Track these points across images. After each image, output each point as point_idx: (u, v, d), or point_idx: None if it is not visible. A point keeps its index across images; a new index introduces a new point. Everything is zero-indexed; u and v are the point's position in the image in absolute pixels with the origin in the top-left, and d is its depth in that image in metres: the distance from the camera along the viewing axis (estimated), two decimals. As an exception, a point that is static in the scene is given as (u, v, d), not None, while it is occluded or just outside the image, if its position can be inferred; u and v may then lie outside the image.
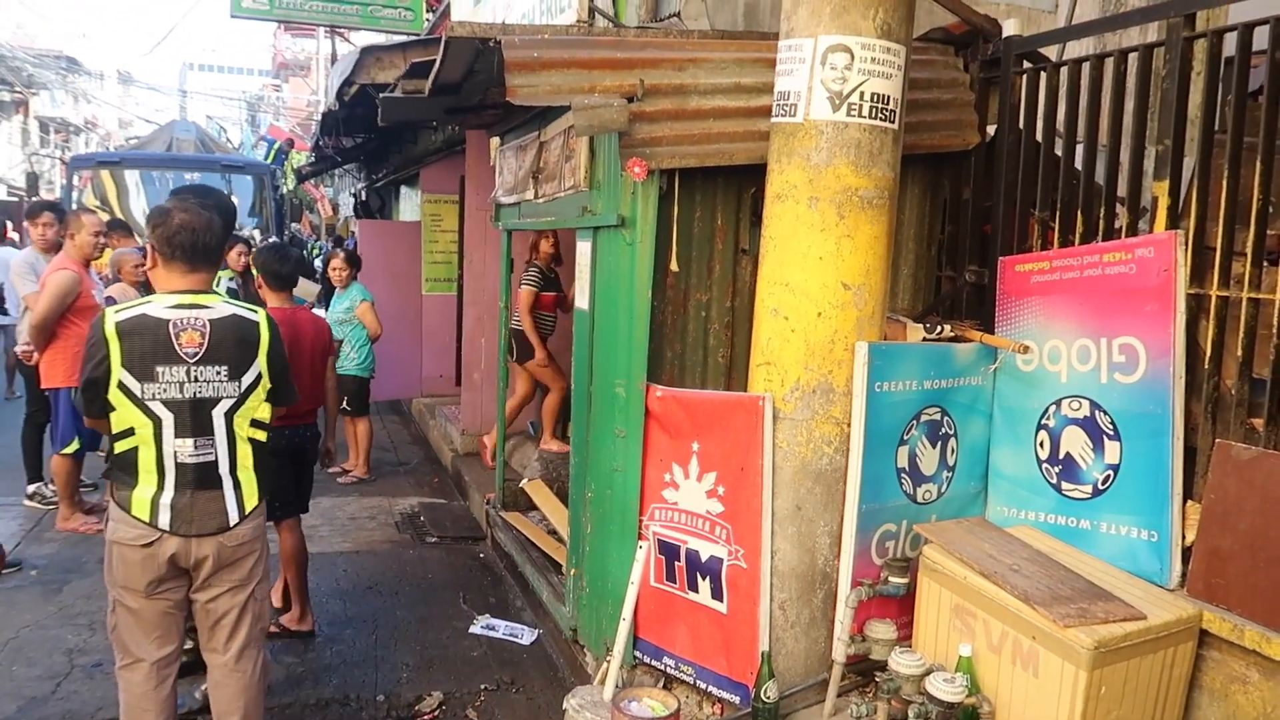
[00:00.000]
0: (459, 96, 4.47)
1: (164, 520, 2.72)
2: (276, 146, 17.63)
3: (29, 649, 4.11)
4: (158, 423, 2.71)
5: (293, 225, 18.29)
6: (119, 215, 11.03)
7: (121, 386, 2.67)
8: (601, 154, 3.69)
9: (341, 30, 15.68)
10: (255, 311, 2.91)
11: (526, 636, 4.54)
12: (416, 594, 5.04)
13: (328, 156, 12.03)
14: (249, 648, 2.96)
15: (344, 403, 7.21)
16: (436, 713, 3.79)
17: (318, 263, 15.87)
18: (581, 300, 3.95)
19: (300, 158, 17.53)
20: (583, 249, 3.93)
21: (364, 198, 14.78)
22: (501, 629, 4.61)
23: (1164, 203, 2.93)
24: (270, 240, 4.59)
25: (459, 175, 8.84)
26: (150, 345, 2.68)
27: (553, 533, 5.36)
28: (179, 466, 2.73)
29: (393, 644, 4.39)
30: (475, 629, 4.59)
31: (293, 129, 31.02)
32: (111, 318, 2.68)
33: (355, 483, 7.18)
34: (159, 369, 2.69)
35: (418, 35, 11.04)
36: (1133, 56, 3.08)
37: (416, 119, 6.76)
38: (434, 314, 9.27)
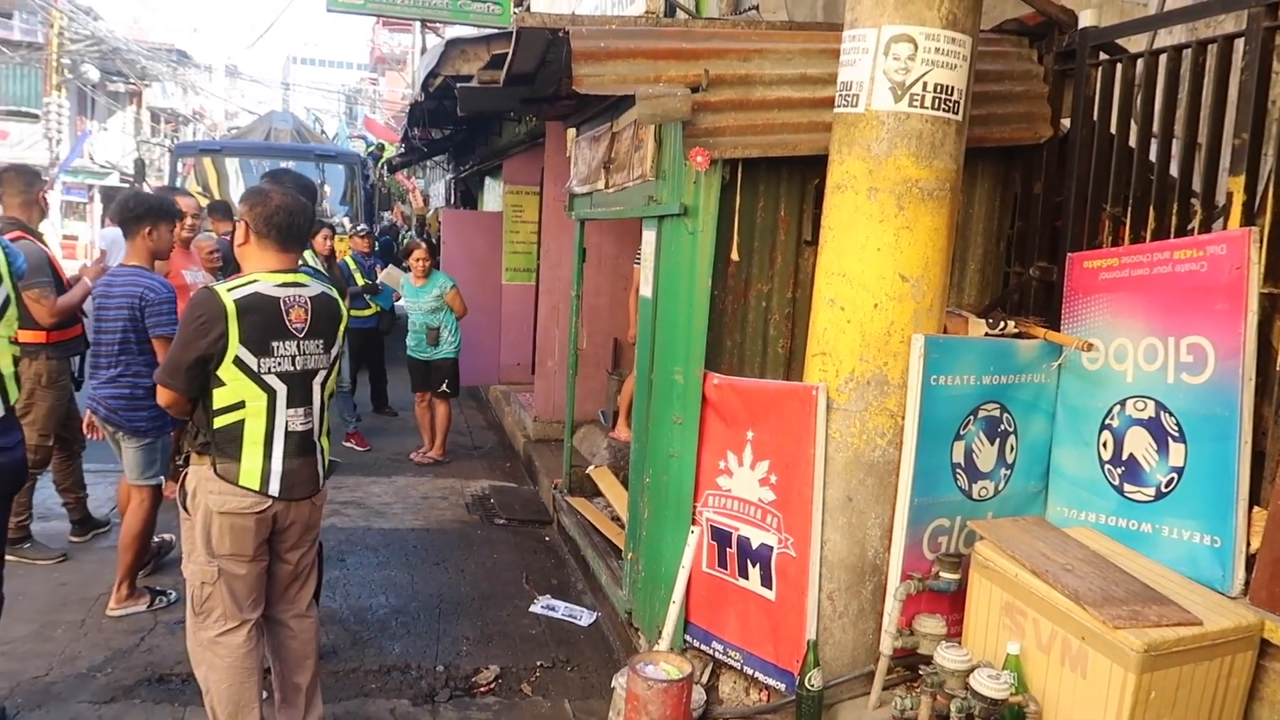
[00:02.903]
0: (534, 87, 4.57)
1: (274, 487, 2.86)
2: (378, 144, 18.14)
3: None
4: (272, 395, 2.84)
5: (384, 214, 18.79)
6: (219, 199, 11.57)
7: (238, 361, 2.77)
8: (667, 144, 3.74)
9: (433, 24, 16.03)
10: (333, 289, 3.06)
11: (585, 618, 4.63)
12: (481, 572, 5.17)
13: (416, 148, 12.35)
14: (312, 594, 3.19)
15: (444, 385, 7.46)
16: (493, 685, 3.90)
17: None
18: (645, 288, 4.01)
19: (392, 150, 18.00)
20: (648, 238, 3.99)
21: (454, 189, 15.12)
22: (561, 610, 4.71)
23: (1239, 199, 2.84)
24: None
25: (540, 167, 8.99)
26: (266, 321, 2.81)
27: (616, 519, 5.44)
28: (289, 435, 2.88)
29: (455, 618, 4.53)
30: (535, 608, 4.69)
31: (387, 122, 31.81)
32: (227, 295, 2.76)
33: (431, 464, 7.38)
34: (274, 343, 2.82)
35: (505, 28, 11.24)
36: (1211, 48, 2.99)
37: (494, 109, 6.91)
38: (513, 303, 9.46)
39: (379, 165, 16.26)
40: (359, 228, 9.44)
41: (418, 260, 7.38)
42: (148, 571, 4.67)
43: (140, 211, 4.18)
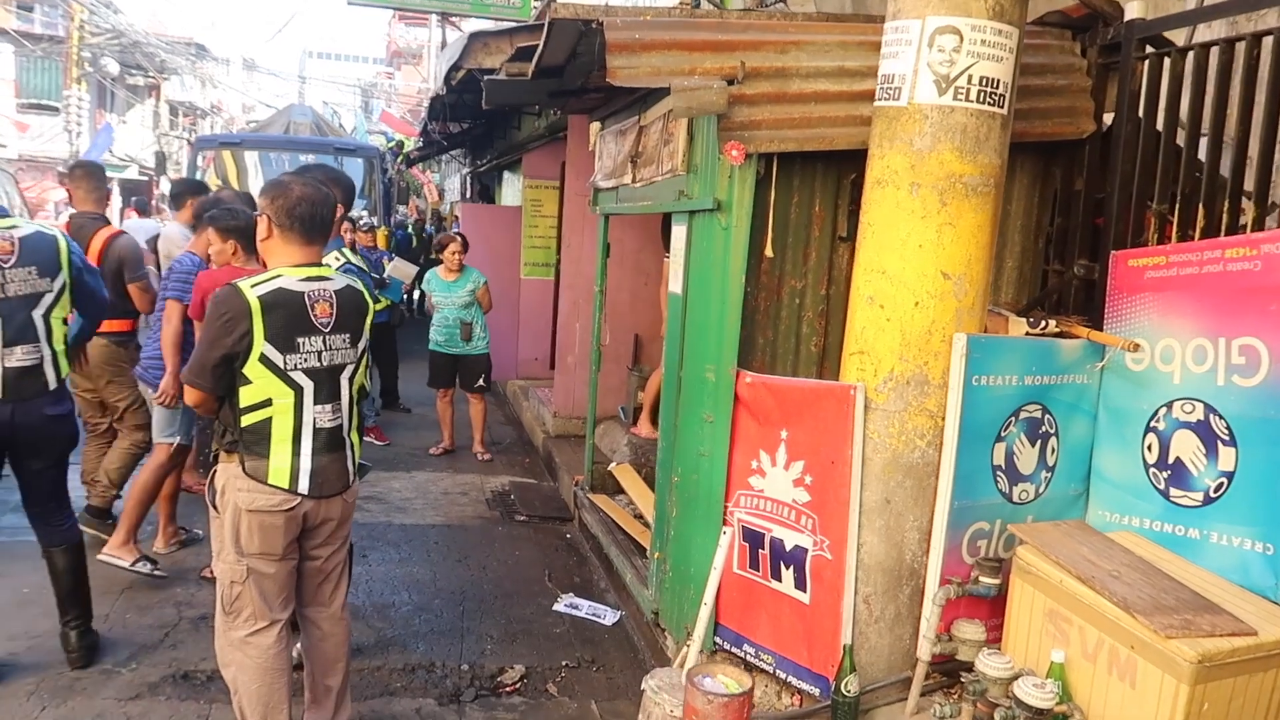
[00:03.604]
0: (561, 80, 4.52)
1: (304, 485, 2.81)
2: (397, 140, 18.14)
3: (141, 599, 4.34)
4: (299, 392, 2.79)
5: (400, 209, 18.80)
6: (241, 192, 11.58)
7: (264, 359, 2.72)
8: (700, 138, 3.67)
9: (452, 18, 16.00)
10: (358, 282, 3.01)
11: (609, 617, 4.58)
12: (503, 570, 5.13)
13: (435, 141, 12.32)
14: (345, 596, 3.13)
15: (480, 380, 7.43)
16: (519, 684, 3.85)
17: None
18: (675, 284, 3.95)
19: (411, 144, 17.99)
20: (678, 233, 3.93)
21: (471, 183, 15.09)
22: (585, 608, 4.66)
23: (1296, 196, 2.76)
24: (229, 205, 4.68)
25: (560, 161, 8.93)
26: (292, 317, 2.76)
27: (639, 517, 5.39)
28: (317, 432, 2.83)
29: (479, 616, 4.49)
30: (559, 607, 4.65)
31: (403, 115, 31.84)
32: (251, 292, 2.71)
33: (442, 454, 7.38)
34: (300, 340, 2.77)
35: (526, 21, 11.19)
36: (1267, 40, 2.90)
37: (520, 102, 6.85)
38: (531, 298, 9.41)
39: (398, 160, 16.25)
40: (361, 221, 9.38)
41: (453, 254, 7.27)
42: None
43: (228, 226, 4.21)
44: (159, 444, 4.64)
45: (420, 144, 14.60)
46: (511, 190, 12.06)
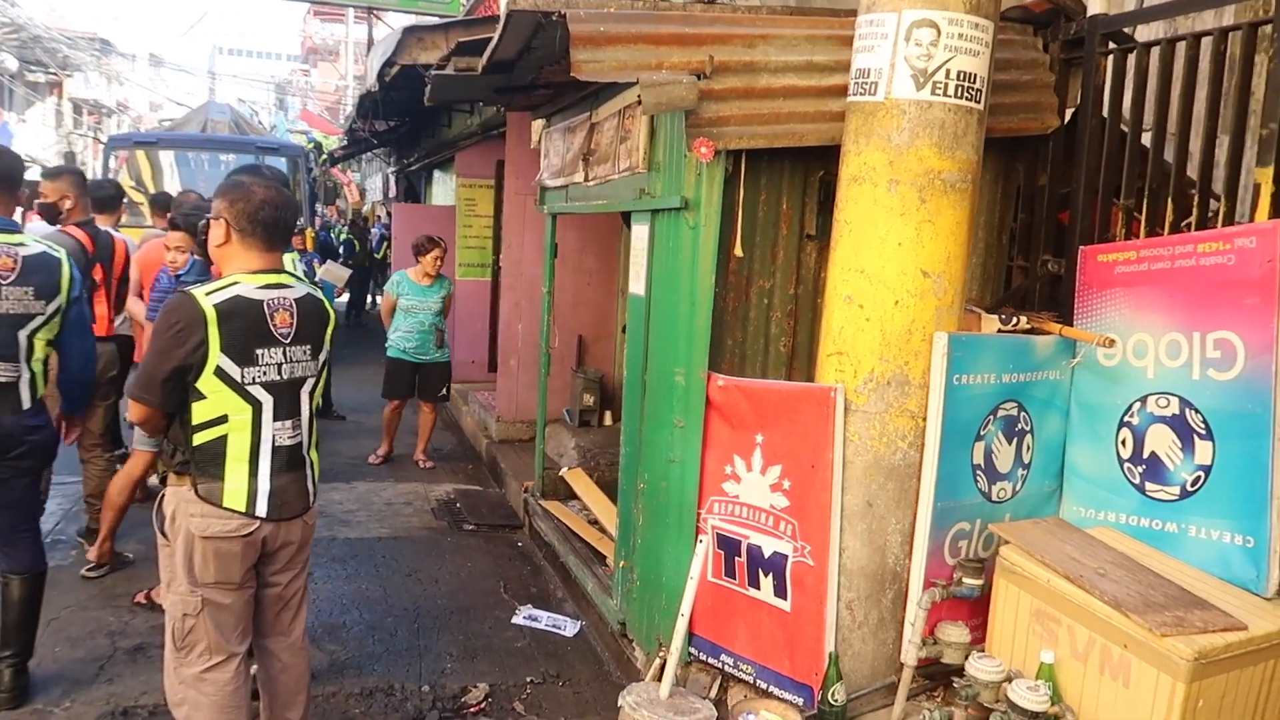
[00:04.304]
0: (511, 75, 4.36)
1: (262, 507, 2.61)
2: (315, 141, 17.63)
3: (71, 630, 4.05)
4: (257, 407, 2.60)
5: (323, 209, 18.26)
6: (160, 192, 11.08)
7: (219, 372, 2.52)
8: (662, 134, 3.57)
9: (377, 13, 15.60)
10: (318, 289, 2.83)
11: (570, 628, 4.45)
12: (456, 582, 4.96)
13: (362, 139, 11.98)
14: (304, 625, 2.94)
15: (444, 389, 7.17)
16: (483, 704, 3.70)
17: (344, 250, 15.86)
18: (637, 285, 3.84)
19: (332, 142, 17.51)
20: (639, 233, 3.82)
21: (396, 183, 14.74)
22: (544, 620, 4.52)
23: (1267, 189, 2.77)
24: (195, 208, 4.56)
25: (495, 159, 8.75)
26: (249, 327, 2.56)
27: (594, 523, 5.26)
28: (276, 450, 2.63)
29: (435, 633, 4.31)
30: (518, 619, 4.50)
31: (321, 113, 31.06)
32: (206, 300, 2.51)
33: (382, 463, 7.14)
34: (258, 351, 2.58)
35: (455, 17, 10.94)
36: (1234, 35, 2.92)
37: (465, 98, 6.68)
38: (467, 299, 9.19)
39: (320, 160, 15.78)
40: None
41: (435, 260, 6.96)
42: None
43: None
44: (138, 451, 4.50)
45: (344, 142, 14.20)
46: (443, 189, 11.80)
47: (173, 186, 11.38)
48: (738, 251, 3.32)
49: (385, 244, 15.13)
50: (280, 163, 11.35)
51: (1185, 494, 2.90)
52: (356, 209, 23.68)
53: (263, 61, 62.30)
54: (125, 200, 7.11)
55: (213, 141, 12.39)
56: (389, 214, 16.83)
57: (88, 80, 33.04)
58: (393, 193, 15.84)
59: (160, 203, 6.91)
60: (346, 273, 8.81)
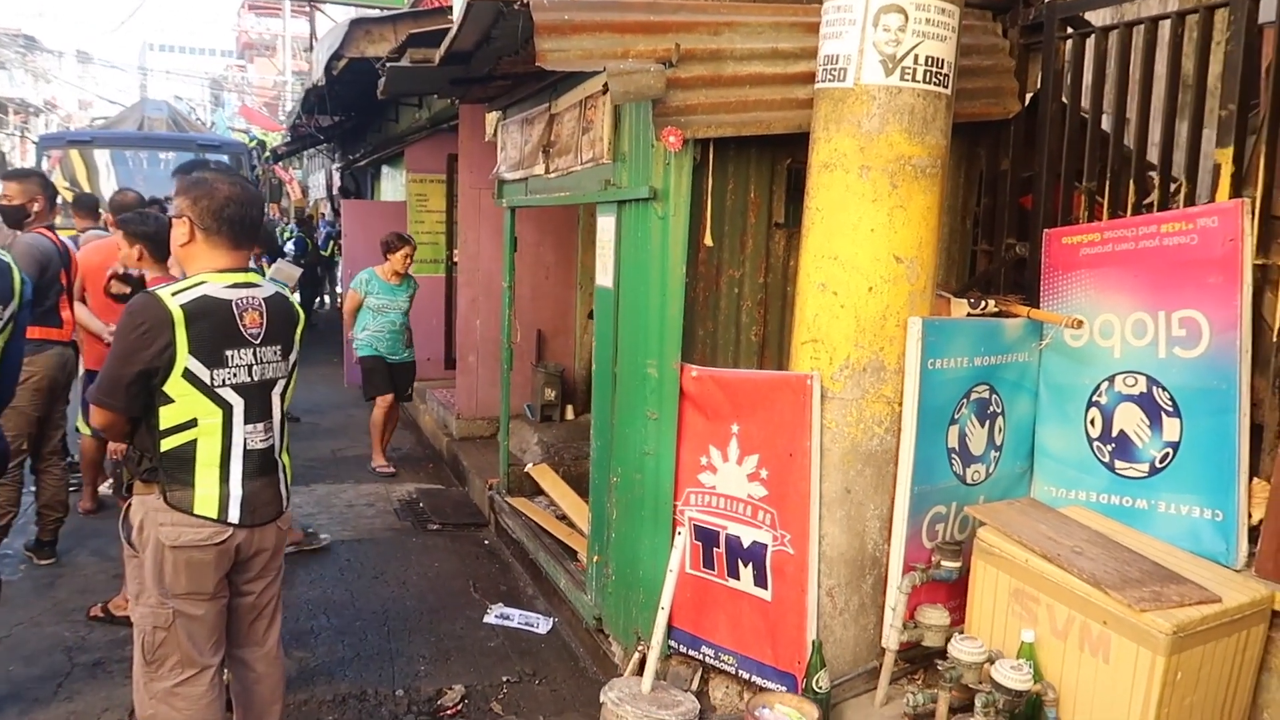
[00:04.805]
0: (469, 66, 4.29)
1: (234, 514, 2.52)
2: (258, 140, 17.23)
3: (25, 647, 3.91)
4: (228, 410, 2.51)
5: (267, 208, 17.88)
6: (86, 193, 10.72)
7: (188, 374, 2.43)
8: (627, 124, 3.53)
9: (318, 6, 15.29)
10: (285, 288, 2.75)
11: (542, 625, 4.41)
12: (424, 583, 4.88)
13: (306, 135, 11.73)
14: (279, 634, 2.86)
15: (410, 389, 7.02)
16: (459, 706, 3.64)
17: (289, 246, 15.53)
18: (604, 278, 3.80)
19: (274, 138, 17.12)
20: (605, 224, 3.78)
21: (341, 179, 14.46)
22: (516, 618, 4.47)
23: (1227, 170, 2.83)
24: (142, 209, 4.45)
25: (447, 153, 8.63)
26: (218, 327, 2.47)
27: (563, 518, 5.22)
28: (248, 454, 2.54)
29: (406, 635, 4.24)
30: (489, 618, 4.45)
31: (260, 109, 30.39)
32: (172, 300, 2.41)
33: (371, 472, 7.00)
34: (228, 352, 2.49)
35: (399, 9, 10.75)
36: (1191, 19, 2.97)
37: (420, 91, 6.56)
38: (421, 296, 8.94)
39: (263, 157, 15.44)
40: None
41: (407, 257, 6.81)
42: None
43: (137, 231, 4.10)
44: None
45: (287, 139, 13.89)
46: (392, 185, 11.61)
47: (109, 187, 11.03)
48: (708, 241, 3.31)
49: (332, 242, 14.87)
50: (222, 160, 11.08)
51: (1154, 471, 2.96)
52: (300, 207, 23.22)
53: (196, 58, 60.77)
54: (60, 202, 6.83)
55: (151, 140, 12.02)
56: (334, 211, 16.53)
57: (12, 78, 31.96)
58: (335, 189, 15.53)
59: (85, 204, 6.58)
60: (297, 271, 8.61)
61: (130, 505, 2.54)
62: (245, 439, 2.54)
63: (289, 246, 15.15)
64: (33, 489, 4.78)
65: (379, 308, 6.86)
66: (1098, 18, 3.54)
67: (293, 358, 2.70)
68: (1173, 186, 3.17)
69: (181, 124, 14.12)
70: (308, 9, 17.29)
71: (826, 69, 2.92)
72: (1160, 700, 2.44)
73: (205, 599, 2.53)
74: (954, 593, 3.09)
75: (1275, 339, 2.78)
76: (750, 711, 2.69)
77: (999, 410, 3.21)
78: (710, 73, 3.19)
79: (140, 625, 2.55)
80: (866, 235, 2.87)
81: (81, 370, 5.00)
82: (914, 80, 2.80)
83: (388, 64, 4.42)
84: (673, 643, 3.40)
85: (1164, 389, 2.92)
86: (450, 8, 7.55)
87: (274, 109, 31.18)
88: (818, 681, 2.88)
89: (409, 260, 6.87)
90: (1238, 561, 2.74)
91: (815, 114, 2.98)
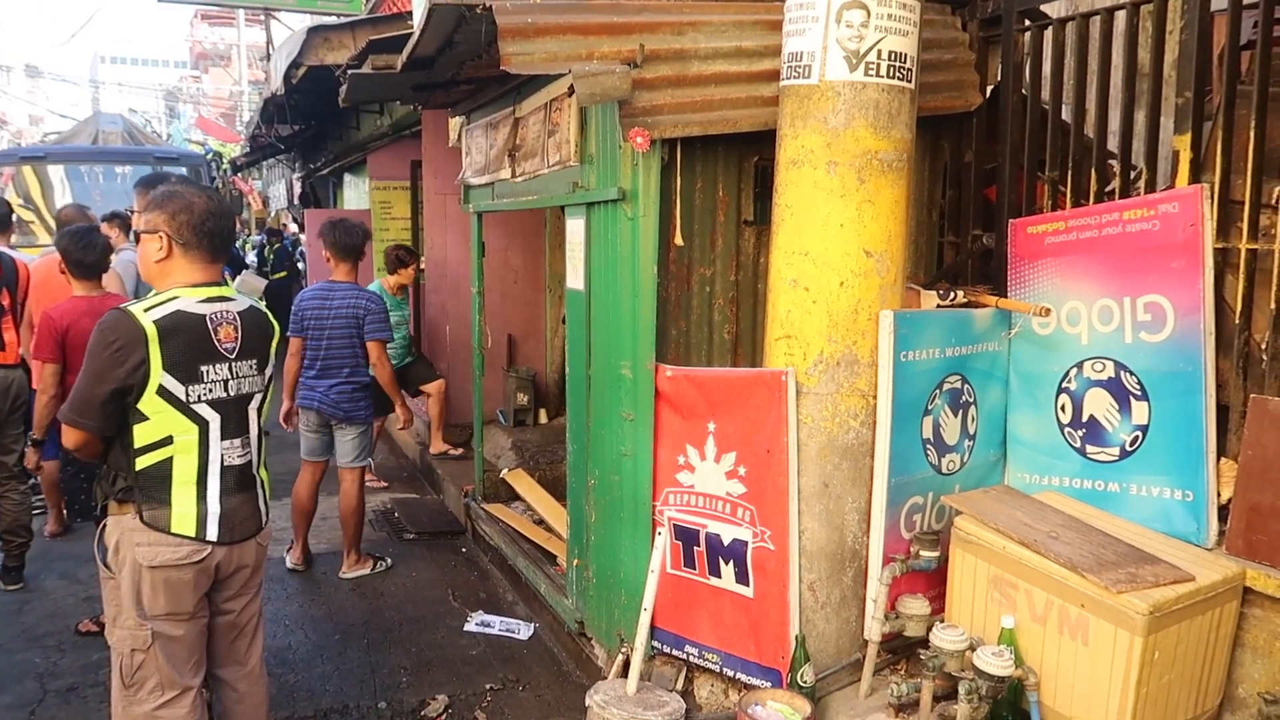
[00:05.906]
0: (431, 72, 4.26)
1: (212, 531, 2.48)
2: (215, 152, 17.01)
3: (-5, 676, 3.83)
4: (204, 426, 2.47)
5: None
6: (45, 214, 10.51)
7: (162, 391, 2.39)
8: (594, 126, 3.53)
9: (273, 13, 15.11)
10: (260, 302, 2.72)
11: (524, 631, 4.39)
12: (403, 593, 4.85)
13: (265, 145, 11.60)
14: (261, 652, 2.82)
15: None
16: (443, 716, 3.62)
17: (251, 257, 15.36)
18: (575, 280, 3.79)
19: (232, 149, 16.92)
20: (574, 227, 3.77)
21: (302, 188, 14.30)
22: (497, 625, 4.45)
23: (1186, 156, 2.88)
24: (75, 226, 4.33)
25: (410, 160, 8.56)
26: (193, 343, 2.44)
27: (540, 523, 5.21)
28: (225, 470, 2.50)
29: (386, 647, 4.21)
30: (470, 626, 4.42)
31: (216, 120, 30.02)
32: (144, 316, 2.37)
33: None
34: (203, 368, 2.46)
35: (357, 16, 10.67)
36: (1145, 9, 3.02)
37: (383, 98, 6.50)
38: (389, 304, 8.98)
39: (221, 169, 15.23)
40: None
41: (413, 273, 6.69)
42: None
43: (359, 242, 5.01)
44: (352, 469, 5.08)
45: (246, 149, 13.72)
46: (355, 193, 11.49)
47: (64, 202, 10.83)
48: (678, 240, 3.31)
49: (295, 252, 14.70)
50: (180, 173, 10.92)
51: (1125, 454, 3.00)
52: (261, 217, 22.97)
53: (149, 69, 59.87)
54: (15, 219, 6.63)
55: (107, 154, 11.80)
56: (296, 222, 16.34)
57: (-40, 95, 31.31)
58: (295, 199, 15.35)
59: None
60: (262, 283, 8.55)
61: (105, 526, 2.50)
62: (223, 455, 2.50)
63: (250, 258, 14.98)
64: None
65: (394, 324, 6.81)
66: (1054, 10, 3.60)
67: (268, 371, 2.67)
68: (1133, 174, 3.22)
69: (137, 137, 13.90)
70: (262, 17, 17.12)
71: (791, 66, 2.93)
72: (1139, 680, 2.47)
73: (184, 619, 2.49)
74: (933, 582, 3.12)
75: (1238, 321, 2.83)
76: (743, 709, 2.69)
77: (971, 400, 3.24)
78: (675, 72, 3.19)
79: (118, 648, 2.51)
80: (836, 230, 2.89)
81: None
82: (878, 75, 2.82)
83: (349, 71, 4.37)
84: (656, 643, 3.40)
85: (1131, 373, 2.97)
86: (409, 13, 7.50)
87: (231, 119, 30.82)
88: (802, 676, 2.89)
89: (414, 274, 6.81)
90: (1209, 540, 2.79)
91: (781, 111, 2.99)
